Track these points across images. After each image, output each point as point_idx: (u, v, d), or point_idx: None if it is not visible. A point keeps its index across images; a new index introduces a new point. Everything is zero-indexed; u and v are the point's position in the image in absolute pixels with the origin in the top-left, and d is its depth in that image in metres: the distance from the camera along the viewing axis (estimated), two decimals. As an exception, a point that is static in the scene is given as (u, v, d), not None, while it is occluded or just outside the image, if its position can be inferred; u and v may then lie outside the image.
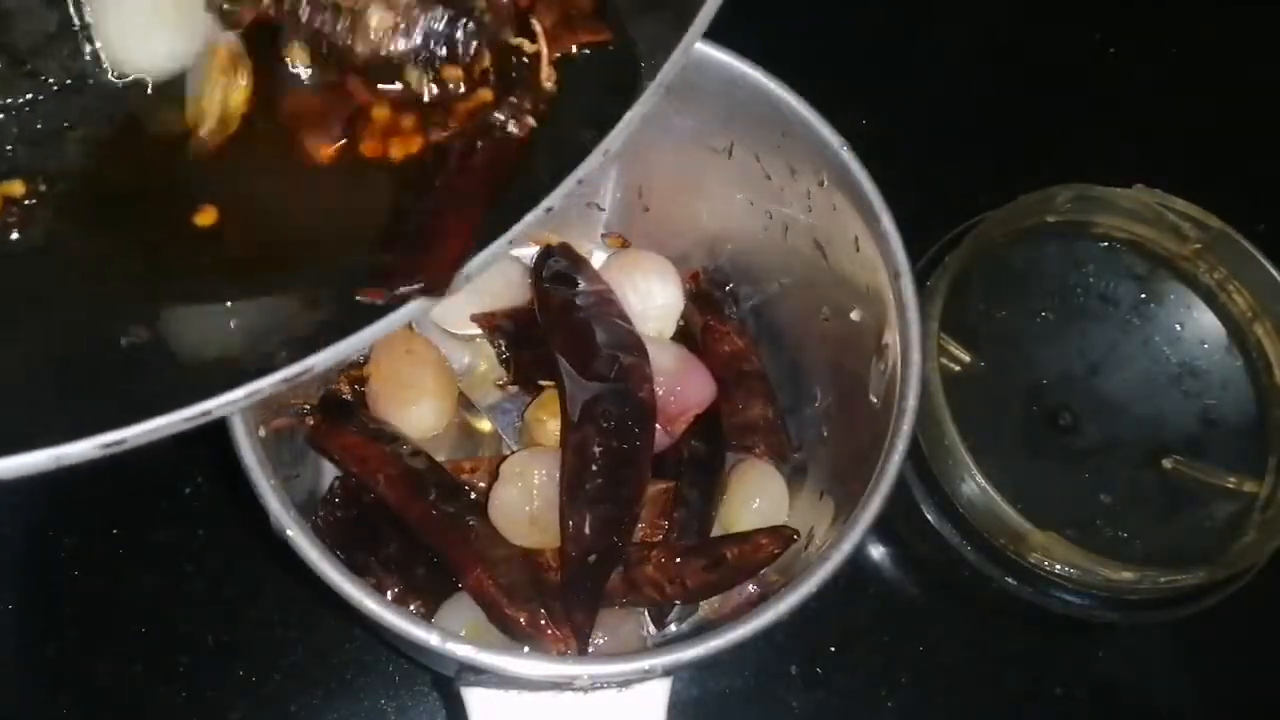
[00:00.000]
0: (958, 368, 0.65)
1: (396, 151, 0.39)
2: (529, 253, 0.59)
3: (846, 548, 0.44)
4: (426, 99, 0.39)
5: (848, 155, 0.50)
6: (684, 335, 0.60)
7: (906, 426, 0.46)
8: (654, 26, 0.39)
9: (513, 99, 0.38)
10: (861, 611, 0.64)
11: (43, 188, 0.37)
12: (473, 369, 0.60)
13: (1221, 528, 0.62)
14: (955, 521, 0.62)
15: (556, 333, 0.54)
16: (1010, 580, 0.61)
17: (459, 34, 0.38)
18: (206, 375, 0.33)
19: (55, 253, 0.36)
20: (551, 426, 0.55)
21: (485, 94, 0.39)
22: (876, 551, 0.66)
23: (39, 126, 0.38)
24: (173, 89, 0.40)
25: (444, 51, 0.38)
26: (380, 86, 0.39)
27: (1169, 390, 0.66)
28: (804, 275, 0.57)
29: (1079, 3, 0.85)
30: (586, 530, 0.49)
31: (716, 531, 0.55)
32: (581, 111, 0.39)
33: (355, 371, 0.57)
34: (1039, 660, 0.65)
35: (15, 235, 0.36)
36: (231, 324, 0.35)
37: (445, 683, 0.57)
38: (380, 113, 0.39)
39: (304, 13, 0.38)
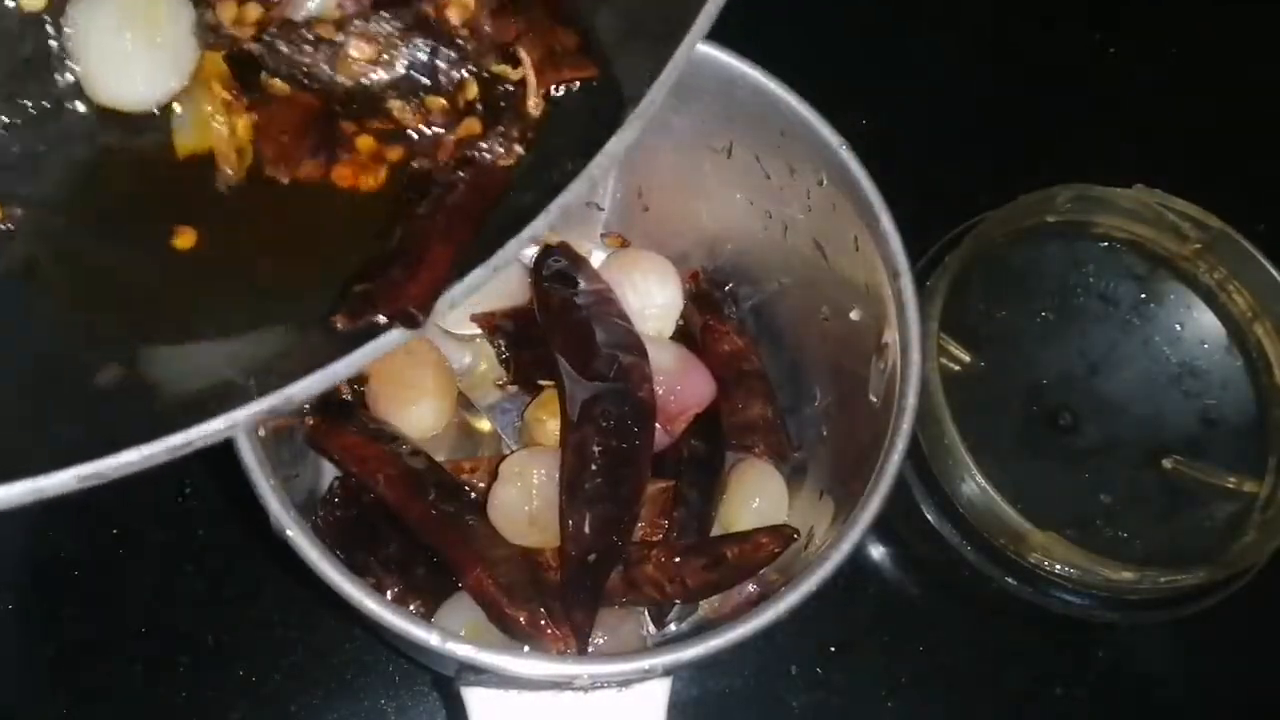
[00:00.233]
0: (958, 367, 0.65)
1: (374, 181, 0.38)
2: (529, 253, 0.58)
3: (846, 548, 0.44)
4: (412, 130, 0.39)
5: (847, 155, 0.50)
6: (684, 335, 0.60)
7: (906, 426, 0.46)
8: (637, 57, 0.38)
9: (500, 128, 0.38)
10: (861, 611, 0.64)
11: (19, 212, 0.37)
12: (473, 369, 0.60)
13: (1221, 528, 0.62)
14: (955, 521, 0.62)
15: (556, 332, 0.54)
16: (1010, 580, 0.61)
17: (441, 63, 0.38)
18: (187, 404, 0.32)
19: (34, 279, 0.36)
20: (551, 426, 0.55)
21: (473, 124, 0.39)
22: (876, 551, 0.66)
23: (15, 150, 0.38)
24: (152, 118, 0.39)
25: (427, 81, 0.38)
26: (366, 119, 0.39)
27: (1169, 390, 0.66)
28: (804, 275, 0.57)
29: (1079, 3, 0.85)
30: (586, 529, 0.49)
31: (716, 531, 0.55)
32: (565, 138, 0.38)
33: (355, 372, 0.57)
34: (1039, 660, 0.65)
35: None
36: (211, 352, 0.35)
37: (445, 683, 0.57)
38: (365, 143, 0.39)
39: (283, 45, 0.38)
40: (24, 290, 0.36)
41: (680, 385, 0.55)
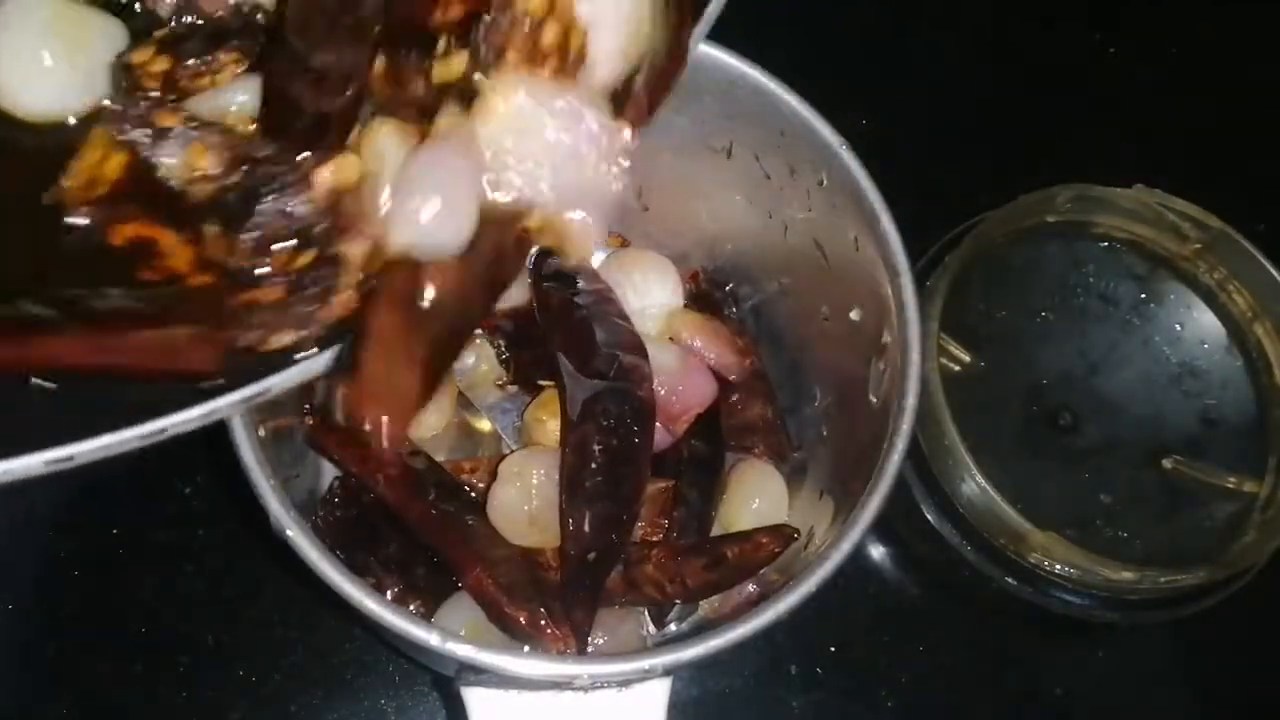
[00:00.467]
0: (957, 368, 0.65)
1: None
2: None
3: (846, 548, 0.44)
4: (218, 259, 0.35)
5: (847, 155, 0.50)
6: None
7: (906, 426, 0.46)
8: None
9: (302, 306, 0.34)
10: (861, 611, 0.64)
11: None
12: (473, 369, 0.60)
13: (1221, 528, 0.62)
14: (955, 521, 0.62)
15: (556, 332, 0.54)
16: (1010, 580, 0.61)
17: (285, 213, 0.34)
18: (160, 395, 0.32)
19: None
20: (551, 426, 0.55)
21: (275, 292, 0.34)
22: (876, 551, 0.66)
23: None
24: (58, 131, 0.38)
25: (258, 221, 0.34)
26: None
27: (1169, 390, 0.66)
28: (804, 275, 0.57)
29: (1079, 3, 0.85)
30: (586, 528, 0.49)
31: (716, 531, 0.55)
32: None
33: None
34: (1039, 660, 0.65)
35: None
36: None
37: (445, 682, 0.57)
38: (168, 241, 0.35)
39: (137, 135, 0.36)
40: None
41: (682, 385, 0.55)
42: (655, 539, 0.54)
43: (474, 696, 0.43)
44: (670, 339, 0.58)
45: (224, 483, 0.62)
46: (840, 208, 0.51)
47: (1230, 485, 0.63)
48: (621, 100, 0.38)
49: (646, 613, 0.55)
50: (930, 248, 0.66)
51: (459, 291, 0.35)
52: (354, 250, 0.34)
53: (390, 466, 0.52)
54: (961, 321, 0.64)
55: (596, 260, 0.61)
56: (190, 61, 0.37)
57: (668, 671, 0.42)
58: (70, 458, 0.30)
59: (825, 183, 0.52)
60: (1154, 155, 0.76)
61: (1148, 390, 0.66)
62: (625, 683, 0.43)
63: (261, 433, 0.44)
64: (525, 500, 0.52)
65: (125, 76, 0.37)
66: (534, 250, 0.51)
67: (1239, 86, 0.82)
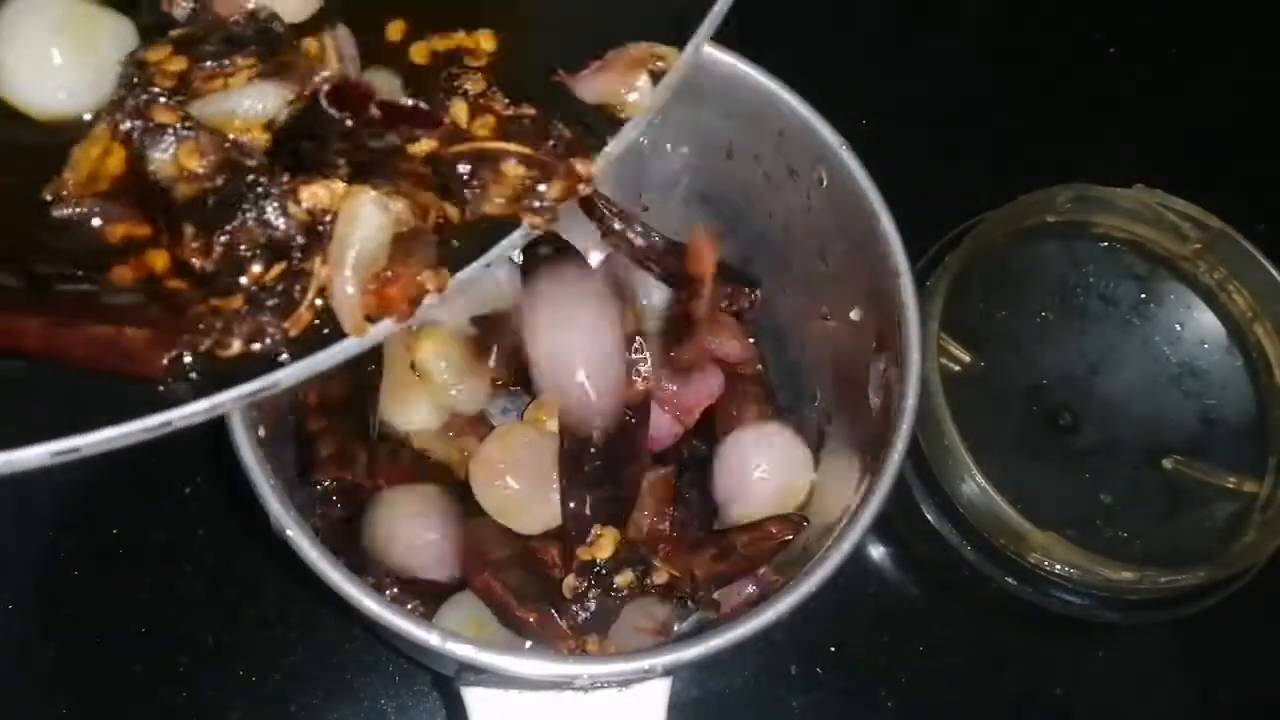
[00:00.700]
0: (957, 368, 0.65)
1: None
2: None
3: (846, 547, 0.44)
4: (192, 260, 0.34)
5: (847, 155, 0.50)
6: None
7: (906, 426, 0.46)
8: None
9: (264, 317, 0.33)
10: (861, 611, 0.64)
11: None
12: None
13: (1221, 528, 0.62)
14: (955, 521, 0.62)
15: None
16: (1010, 580, 0.61)
17: (264, 219, 0.34)
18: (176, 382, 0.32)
19: None
20: (551, 427, 0.55)
21: (236, 301, 0.34)
22: (876, 551, 0.66)
23: None
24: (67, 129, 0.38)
25: (235, 225, 0.34)
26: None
27: (1169, 390, 0.66)
28: (804, 275, 0.57)
29: (1079, 3, 0.85)
30: (587, 511, 0.49)
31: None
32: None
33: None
34: (1039, 660, 0.65)
35: None
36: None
37: (445, 682, 0.57)
38: (158, 260, 0.35)
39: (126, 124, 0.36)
40: None
41: (690, 380, 0.55)
42: (661, 528, 0.54)
43: (474, 696, 0.43)
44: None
45: (224, 483, 0.62)
46: (840, 208, 0.51)
47: (1230, 485, 0.63)
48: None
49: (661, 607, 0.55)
50: (930, 248, 0.66)
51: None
52: (322, 270, 0.34)
53: (390, 468, 0.53)
54: (961, 321, 0.64)
55: (596, 260, 0.61)
56: (207, 63, 0.37)
57: (668, 671, 0.42)
58: (76, 449, 0.30)
59: (825, 183, 0.52)
60: (1154, 155, 0.76)
61: (1148, 390, 0.66)
62: (625, 683, 0.43)
63: (261, 432, 0.44)
64: (502, 457, 0.52)
65: (138, 73, 0.37)
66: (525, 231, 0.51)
67: (1239, 86, 0.82)
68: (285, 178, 0.34)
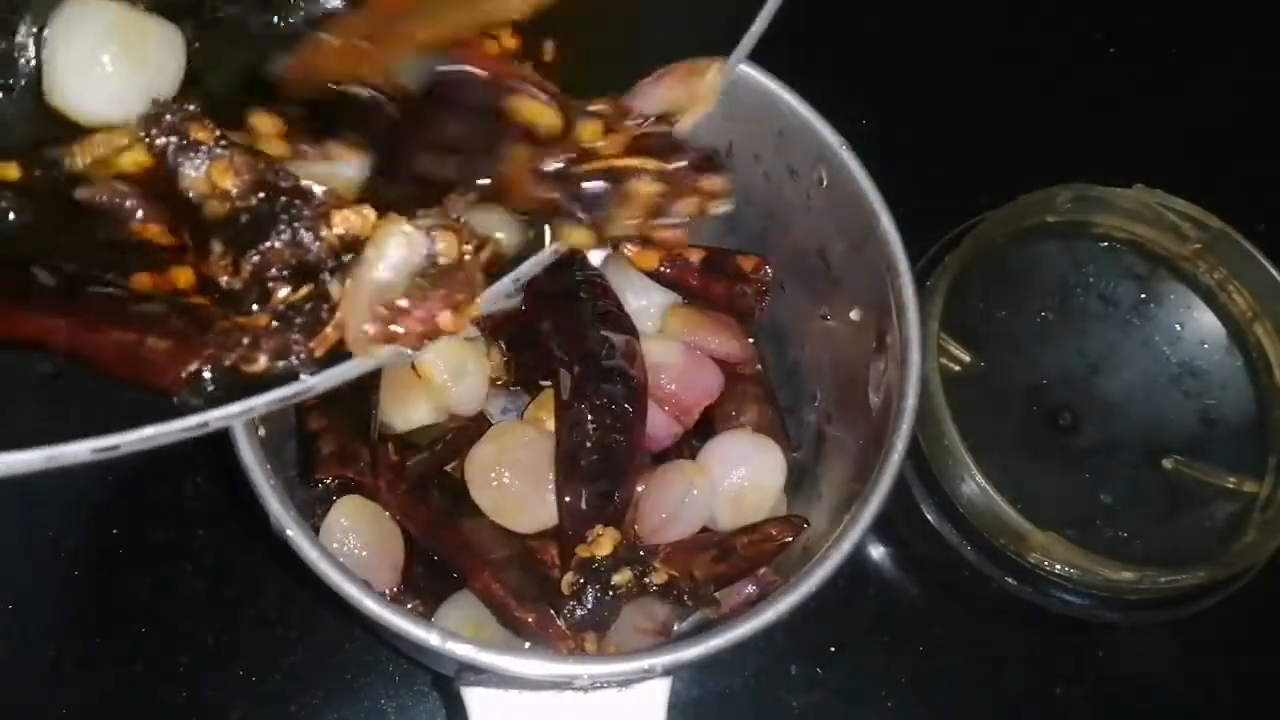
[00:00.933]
0: (957, 368, 0.65)
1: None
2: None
3: (846, 548, 0.44)
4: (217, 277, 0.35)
5: (847, 155, 0.50)
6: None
7: (906, 426, 0.46)
8: None
9: (295, 335, 0.34)
10: (861, 611, 0.64)
11: (38, 173, 0.37)
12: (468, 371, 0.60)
13: (1222, 528, 0.62)
14: (955, 521, 0.62)
15: (546, 314, 0.54)
16: (1010, 580, 0.61)
17: (293, 242, 0.34)
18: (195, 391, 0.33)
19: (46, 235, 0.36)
20: (551, 426, 0.55)
21: (261, 319, 0.34)
22: (876, 551, 0.66)
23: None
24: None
25: (264, 245, 0.34)
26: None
27: (1169, 390, 0.66)
28: (804, 275, 0.57)
29: (1079, 3, 0.85)
30: (583, 505, 0.49)
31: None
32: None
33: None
34: (1039, 660, 0.65)
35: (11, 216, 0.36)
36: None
37: (445, 682, 0.57)
38: (182, 276, 0.35)
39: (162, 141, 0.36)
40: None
41: (690, 378, 0.55)
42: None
43: (474, 696, 0.43)
44: (671, 335, 0.58)
45: (224, 483, 0.62)
46: (840, 208, 0.51)
47: (1230, 485, 0.63)
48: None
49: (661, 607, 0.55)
50: (930, 248, 0.66)
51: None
52: (340, 292, 0.34)
53: (391, 470, 0.53)
54: (961, 321, 0.64)
55: (596, 259, 0.61)
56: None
57: (668, 671, 0.42)
58: (116, 447, 0.31)
59: (825, 183, 0.52)
60: (1154, 155, 0.76)
61: (1148, 390, 0.66)
62: (625, 683, 0.43)
63: (262, 432, 0.44)
64: (496, 456, 0.52)
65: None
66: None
67: (1239, 86, 0.82)
68: (318, 200, 0.34)
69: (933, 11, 0.82)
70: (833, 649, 0.62)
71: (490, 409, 0.58)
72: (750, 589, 0.54)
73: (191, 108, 0.36)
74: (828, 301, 0.55)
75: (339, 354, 0.34)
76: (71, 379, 0.33)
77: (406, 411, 0.56)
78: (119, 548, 0.61)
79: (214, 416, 0.32)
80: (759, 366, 0.60)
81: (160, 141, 0.36)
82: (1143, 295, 0.68)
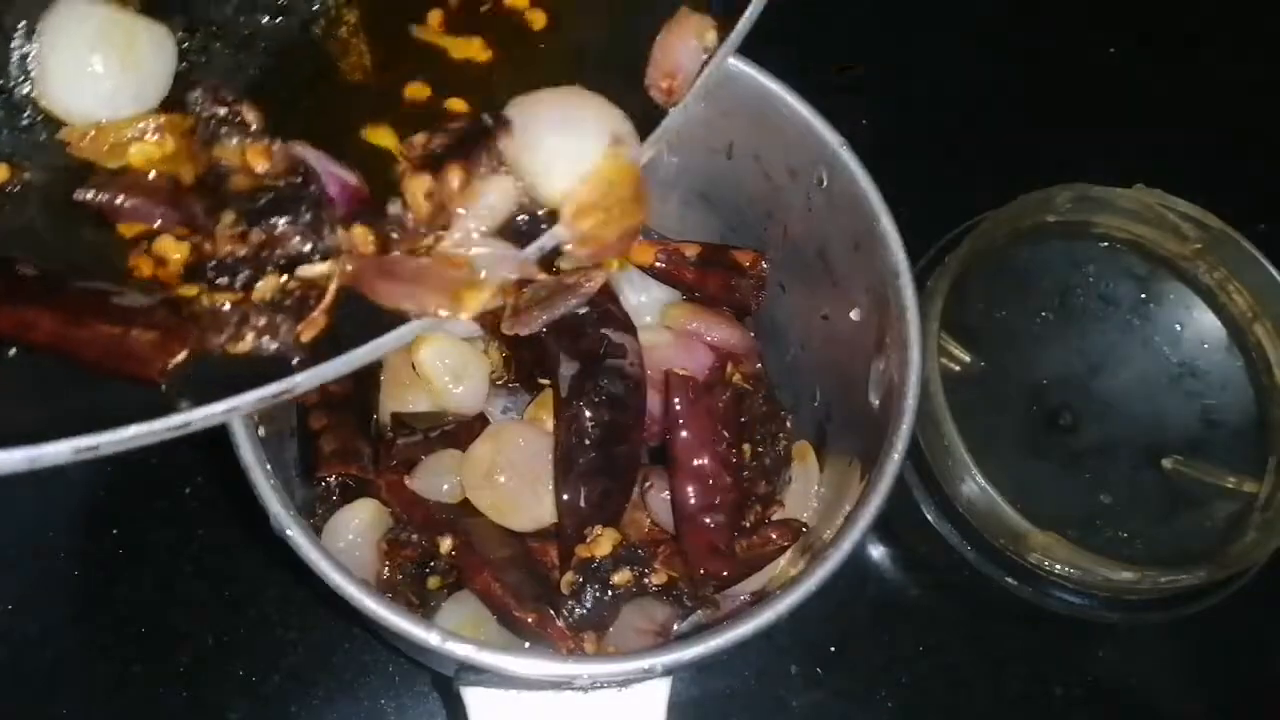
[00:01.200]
0: (958, 368, 0.65)
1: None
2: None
3: (846, 547, 0.44)
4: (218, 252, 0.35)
5: (847, 155, 0.50)
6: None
7: (906, 426, 0.46)
8: None
9: (279, 318, 0.34)
10: (861, 611, 0.64)
11: (28, 175, 0.37)
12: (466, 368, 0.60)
13: (1222, 528, 0.62)
14: (955, 522, 0.62)
15: None
16: (1010, 580, 0.61)
17: (301, 223, 0.35)
18: (180, 387, 0.33)
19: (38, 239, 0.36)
20: (551, 425, 0.55)
21: (275, 279, 0.35)
22: (876, 551, 0.66)
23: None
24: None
25: (276, 222, 0.35)
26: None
27: (1169, 390, 0.66)
28: (804, 275, 0.57)
29: (1079, 2, 0.85)
30: (582, 503, 0.49)
31: None
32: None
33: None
34: (1039, 660, 0.64)
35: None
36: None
37: (445, 683, 0.57)
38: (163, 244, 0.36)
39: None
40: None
41: (674, 354, 0.55)
42: (662, 536, 0.54)
43: (473, 696, 0.43)
44: (669, 329, 0.58)
45: (224, 483, 0.62)
46: (840, 208, 0.51)
47: (1230, 485, 0.63)
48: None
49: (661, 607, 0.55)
50: (930, 248, 0.66)
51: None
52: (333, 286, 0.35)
53: (391, 471, 0.53)
54: (962, 322, 0.64)
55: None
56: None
57: (668, 671, 0.42)
58: (96, 447, 0.31)
59: (825, 183, 0.52)
60: (1154, 155, 0.76)
61: (1148, 390, 0.66)
62: (625, 683, 0.43)
63: (262, 432, 0.44)
64: (492, 457, 0.52)
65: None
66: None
67: (1240, 87, 0.82)
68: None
69: (933, 11, 0.82)
70: (833, 649, 0.62)
71: (490, 408, 0.58)
72: (746, 595, 0.54)
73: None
74: (828, 301, 0.55)
75: (325, 347, 0.34)
76: (54, 379, 0.33)
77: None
78: (119, 548, 0.61)
79: (197, 416, 0.32)
80: (759, 364, 0.60)
81: (206, 114, 0.36)
82: (1143, 295, 0.68)
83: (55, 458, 0.30)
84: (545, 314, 0.39)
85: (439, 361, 0.55)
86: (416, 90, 0.39)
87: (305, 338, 0.34)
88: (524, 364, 0.58)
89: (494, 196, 0.36)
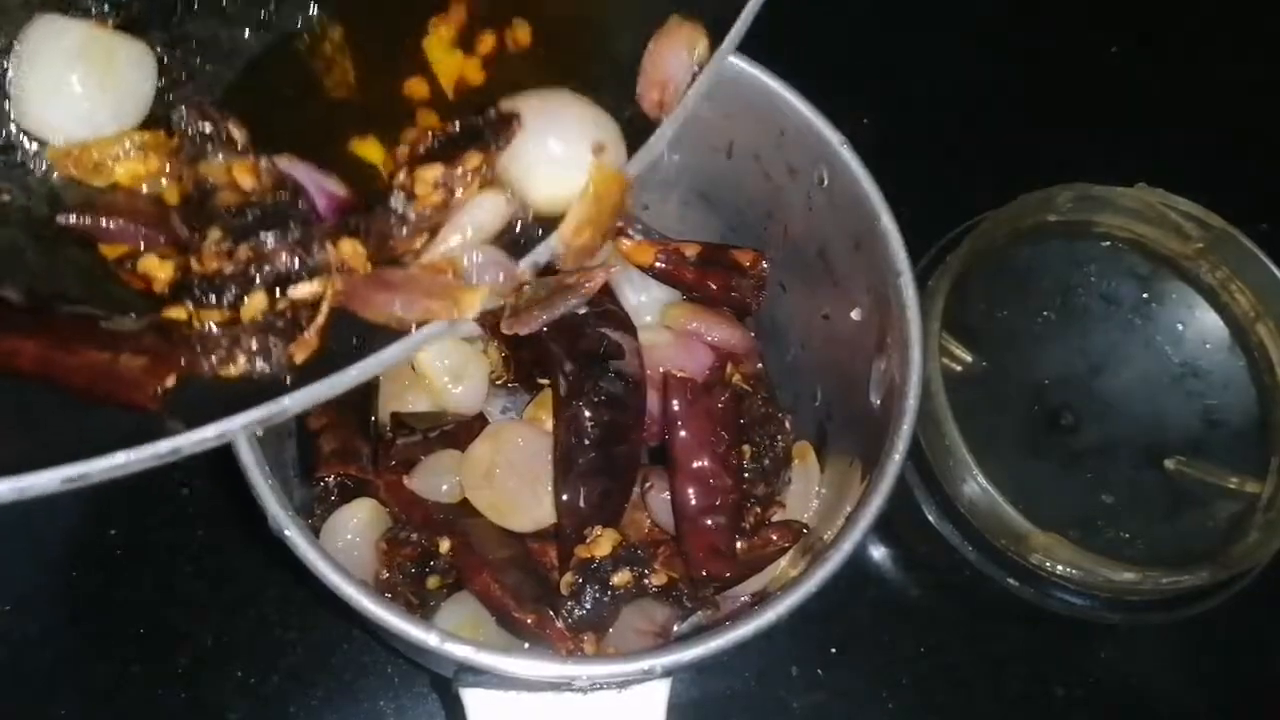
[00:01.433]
0: (959, 368, 0.64)
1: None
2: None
3: (846, 548, 0.43)
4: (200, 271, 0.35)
5: (848, 154, 0.50)
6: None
7: (907, 426, 0.46)
8: None
9: (274, 341, 0.34)
10: (862, 612, 0.64)
11: (6, 198, 0.37)
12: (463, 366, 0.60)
13: (1223, 528, 0.62)
14: (956, 522, 0.62)
15: None
16: (1011, 581, 0.61)
17: (289, 247, 0.34)
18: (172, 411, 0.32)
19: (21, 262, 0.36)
20: (550, 425, 0.55)
21: (261, 300, 0.34)
22: (877, 552, 0.66)
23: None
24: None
25: (265, 238, 0.34)
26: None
27: (1171, 390, 0.66)
28: (804, 275, 0.56)
29: (1079, 2, 0.84)
30: (582, 504, 0.49)
31: None
32: None
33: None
34: (1039, 660, 0.64)
35: None
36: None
37: (444, 684, 0.57)
38: (148, 264, 0.36)
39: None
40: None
41: (674, 353, 0.55)
42: (662, 537, 0.54)
43: (472, 698, 0.43)
44: (669, 328, 0.58)
45: (223, 483, 0.62)
46: (840, 207, 0.51)
47: (1232, 485, 0.63)
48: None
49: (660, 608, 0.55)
50: (930, 248, 0.66)
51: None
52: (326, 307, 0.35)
53: (390, 472, 0.53)
54: (963, 322, 0.64)
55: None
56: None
57: (667, 672, 0.42)
58: (85, 476, 0.31)
59: (825, 182, 0.52)
60: (1155, 155, 0.76)
61: (1149, 390, 0.66)
62: (625, 684, 0.43)
63: (260, 433, 0.44)
64: (491, 457, 0.52)
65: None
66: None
67: (1241, 86, 0.82)
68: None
69: (933, 11, 0.82)
70: (833, 649, 0.62)
71: (490, 408, 0.58)
72: (746, 596, 0.54)
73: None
74: (828, 301, 0.55)
75: (317, 368, 0.34)
76: (40, 405, 0.32)
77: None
78: (119, 548, 0.61)
79: (188, 441, 0.31)
80: (759, 364, 0.60)
81: (192, 130, 0.36)
82: (1145, 295, 0.68)
83: (44, 488, 0.30)
84: (545, 314, 0.39)
85: (438, 361, 0.55)
86: (414, 87, 0.39)
87: (298, 359, 0.34)
88: (523, 364, 0.58)
89: (486, 209, 0.36)
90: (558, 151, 0.36)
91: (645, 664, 0.41)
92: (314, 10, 0.41)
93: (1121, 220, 0.68)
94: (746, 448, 0.55)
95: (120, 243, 0.36)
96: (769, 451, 0.55)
